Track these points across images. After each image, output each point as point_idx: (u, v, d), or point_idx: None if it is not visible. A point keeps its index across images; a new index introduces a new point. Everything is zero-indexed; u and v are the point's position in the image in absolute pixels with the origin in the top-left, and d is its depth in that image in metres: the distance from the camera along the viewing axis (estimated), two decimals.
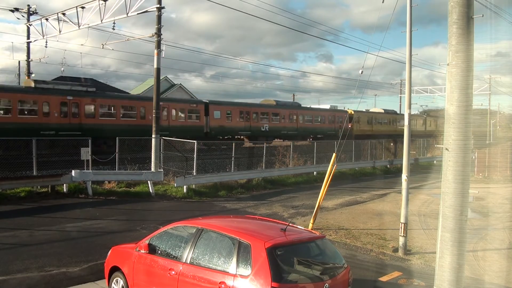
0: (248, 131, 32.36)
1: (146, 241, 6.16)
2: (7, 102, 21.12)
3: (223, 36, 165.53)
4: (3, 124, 20.42)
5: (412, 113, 10.93)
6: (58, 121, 22.51)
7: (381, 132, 41.97)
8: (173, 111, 28.08)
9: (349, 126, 38.76)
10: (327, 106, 47.29)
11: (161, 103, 22.74)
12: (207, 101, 31.06)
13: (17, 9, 25.78)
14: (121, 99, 26.61)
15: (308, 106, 43.23)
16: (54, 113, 22.37)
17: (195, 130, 28.53)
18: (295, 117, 36.70)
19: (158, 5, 17.52)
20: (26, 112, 21.80)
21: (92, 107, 24.06)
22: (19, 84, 34.53)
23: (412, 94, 11.14)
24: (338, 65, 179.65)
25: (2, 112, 21.14)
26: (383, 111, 48.39)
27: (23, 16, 26.13)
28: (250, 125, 32.58)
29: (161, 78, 21.09)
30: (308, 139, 35.30)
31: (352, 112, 40.88)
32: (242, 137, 31.97)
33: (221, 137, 30.33)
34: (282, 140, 34.50)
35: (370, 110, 47.62)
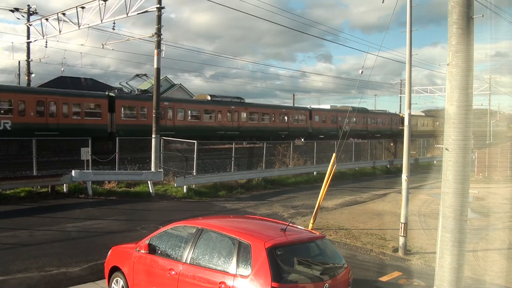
0: (335, 132, 39.83)
1: (146, 241, 6.16)
2: (197, 111, 30.17)
3: (222, 36, 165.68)
4: (195, 127, 29.60)
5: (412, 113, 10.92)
6: (226, 124, 31.65)
7: (425, 132, 48.04)
8: (291, 117, 37.63)
9: (400, 127, 48.15)
10: (327, 106, 48.27)
11: (283, 110, 37.50)
12: (311, 108, 40.84)
13: (17, 9, 25.79)
14: (260, 107, 35.79)
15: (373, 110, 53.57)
16: (224, 118, 31.51)
17: (303, 130, 37.95)
18: (364, 119, 45.18)
19: (158, 5, 17.51)
20: (208, 118, 30.87)
21: (245, 114, 33.57)
22: (18, 84, 34.76)
23: (412, 94, 11.14)
24: (337, 65, 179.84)
25: (194, 118, 29.96)
26: (424, 114, 56.01)
27: (23, 16, 26.15)
28: (337, 127, 40.70)
29: (161, 78, 21.10)
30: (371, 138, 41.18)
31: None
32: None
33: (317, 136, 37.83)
34: (355, 139, 40.63)
35: (413, 114, 56.09)
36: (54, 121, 22.58)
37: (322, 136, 37.35)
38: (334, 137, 36.82)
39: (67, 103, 23.15)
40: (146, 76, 29.20)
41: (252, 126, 33.65)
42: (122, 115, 25.68)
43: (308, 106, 41.89)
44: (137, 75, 28.88)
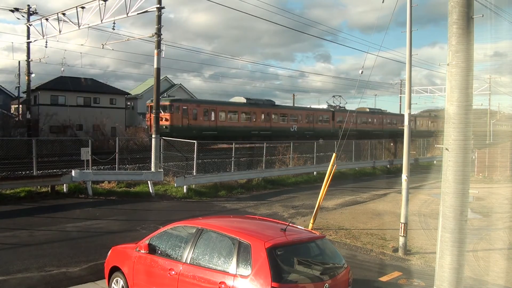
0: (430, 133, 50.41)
1: (146, 241, 6.16)
2: (367, 118, 47.40)
3: (221, 36, 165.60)
4: (367, 129, 44.25)
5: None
6: (377, 127, 48.17)
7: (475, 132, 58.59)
8: (400, 121, 49.75)
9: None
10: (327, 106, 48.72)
11: (399, 117, 51.07)
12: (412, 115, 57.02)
13: (17, 9, 25.79)
14: (389, 115, 52.10)
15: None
16: (378, 122, 49.28)
17: (401, 131, 48.26)
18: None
19: (158, 5, 17.51)
20: (371, 122, 48.33)
21: (385, 120, 50.60)
22: (18, 83, 35.06)
23: (412, 94, 11.14)
24: (336, 65, 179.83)
25: (365, 123, 46.57)
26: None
27: (23, 16, 26.16)
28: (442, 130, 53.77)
29: (161, 78, 21.11)
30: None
31: None
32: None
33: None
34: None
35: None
36: (311, 126, 41.71)
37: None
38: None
39: (316, 115, 42.78)
40: (341, 97, 48.22)
41: (389, 128, 47.44)
42: (338, 122, 43.05)
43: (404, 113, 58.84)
44: (333, 96, 49.15)
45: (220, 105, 35.69)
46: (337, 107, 46.48)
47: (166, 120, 30.83)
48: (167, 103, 31.21)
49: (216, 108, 34.63)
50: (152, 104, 29.08)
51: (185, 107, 32.42)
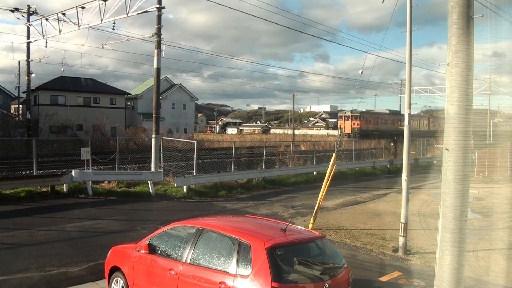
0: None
1: (146, 241, 6.16)
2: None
3: (220, 36, 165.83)
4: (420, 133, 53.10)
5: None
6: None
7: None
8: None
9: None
10: (327, 107, 48.86)
11: None
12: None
13: (17, 9, 25.77)
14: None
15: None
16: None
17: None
18: None
19: (158, 5, 17.50)
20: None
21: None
22: (18, 83, 35.05)
23: (412, 94, 11.14)
24: (335, 65, 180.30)
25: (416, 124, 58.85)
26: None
27: (23, 16, 26.13)
28: None
29: (161, 78, 21.11)
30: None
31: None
32: None
33: None
34: None
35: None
36: (418, 128, 51.17)
37: None
38: None
39: (420, 120, 56.08)
40: (430, 106, 59.11)
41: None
42: (431, 125, 56.59)
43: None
44: (424, 106, 61.05)
45: (379, 115, 55.48)
46: (429, 114, 60.86)
47: (358, 124, 51.10)
48: (358, 114, 51.39)
49: (378, 117, 54.59)
50: (345, 114, 54.00)
51: (365, 116, 52.41)
